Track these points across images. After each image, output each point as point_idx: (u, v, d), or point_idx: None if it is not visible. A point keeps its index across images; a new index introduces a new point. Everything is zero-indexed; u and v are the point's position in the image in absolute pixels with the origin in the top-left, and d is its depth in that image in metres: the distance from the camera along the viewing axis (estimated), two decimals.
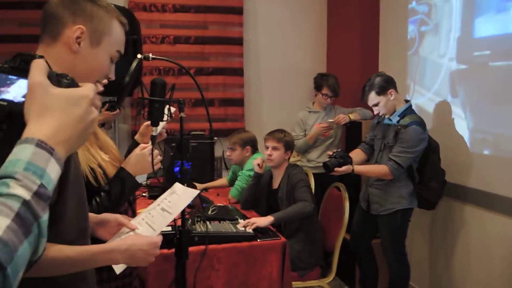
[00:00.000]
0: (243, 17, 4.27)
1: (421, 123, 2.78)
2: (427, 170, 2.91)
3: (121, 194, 1.58)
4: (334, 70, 4.28)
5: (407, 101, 2.96)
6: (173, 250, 1.77)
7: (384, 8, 3.80)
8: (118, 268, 1.27)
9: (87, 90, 0.78)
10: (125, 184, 1.59)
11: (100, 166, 1.57)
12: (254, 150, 3.44)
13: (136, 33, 3.35)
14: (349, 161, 2.82)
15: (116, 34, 1.22)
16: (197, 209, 2.73)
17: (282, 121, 4.03)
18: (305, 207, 2.71)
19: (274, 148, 2.99)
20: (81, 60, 1.16)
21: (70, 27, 1.14)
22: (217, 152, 4.15)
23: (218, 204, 2.94)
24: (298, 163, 3.88)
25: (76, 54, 1.15)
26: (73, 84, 0.77)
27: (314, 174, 3.59)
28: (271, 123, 4.08)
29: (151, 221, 1.36)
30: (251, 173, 3.19)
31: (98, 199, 1.54)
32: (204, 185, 3.66)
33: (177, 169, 3.81)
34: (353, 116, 3.73)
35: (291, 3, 4.46)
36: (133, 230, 1.34)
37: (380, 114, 2.95)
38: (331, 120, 3.71)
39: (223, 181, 3.80)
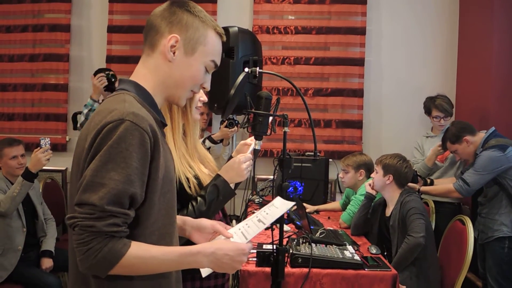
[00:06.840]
0: (365, 38, 4.17)
1: (501, 146, 2.80)
2: None
3: (216, 199, 1.63)
4: (465, 92, 3.94)
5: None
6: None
7: None
8: (205, 272, 1.26)
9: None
10: (219, 189, 1.63)
11: (196, 177, 1.63)
12: (369, 174, 3.28)
13: (257, 54, 3.45)
14: (416, 180, 3.11)
15: (212, 44, 1.23)
16: (304, 230, 2.68)
17: (402, 146, 3.82)
18: (414, 243, 2.53)
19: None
20: (176, 69, 1.20)
21: (166, 37, 1.19)
22: (332, 175, 4.05)
23: (328, 228, 2.85)
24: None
25: (171, 63, 1.20)
26: None
27: (435, 202, 3.33)
28: (390, 147, 3.88)
29: (246, 231, 1.36)
30: None
31: (194, 203, 1.60)
32: (315, 207, 3.62)
33: (290, 189, 3.87)
34: None
35: (417, 22, 4.23)
36: (228, 238, 1.34)
37: (461, 160, 3.19)
38: None
39: (335, 204, 3.72)
